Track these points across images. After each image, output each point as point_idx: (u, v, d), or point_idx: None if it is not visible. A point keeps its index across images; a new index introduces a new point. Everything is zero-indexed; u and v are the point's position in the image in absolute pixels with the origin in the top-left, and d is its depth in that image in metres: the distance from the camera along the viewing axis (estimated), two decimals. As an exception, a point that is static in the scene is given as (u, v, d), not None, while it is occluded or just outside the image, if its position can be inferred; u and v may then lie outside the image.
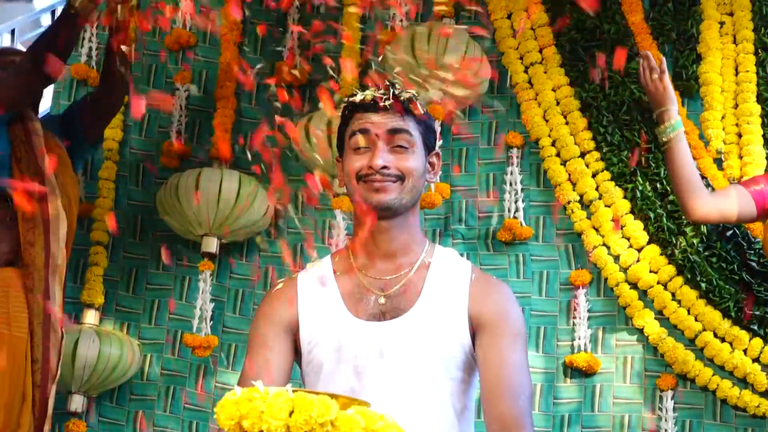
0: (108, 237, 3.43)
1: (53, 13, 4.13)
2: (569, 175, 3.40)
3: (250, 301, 3.42)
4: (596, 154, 3.39)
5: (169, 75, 3.60)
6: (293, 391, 1.26)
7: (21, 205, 2.69)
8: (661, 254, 3.28)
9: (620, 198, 3.33)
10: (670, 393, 3.21)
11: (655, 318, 3.26)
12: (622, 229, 3.31)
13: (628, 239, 3.31)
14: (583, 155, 3.41)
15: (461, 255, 2.05)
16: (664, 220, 3.27)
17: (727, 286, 3.19)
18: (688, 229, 3.25)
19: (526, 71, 3.53)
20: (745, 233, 3.23)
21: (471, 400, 1.94)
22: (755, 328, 3.17)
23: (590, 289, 3.34)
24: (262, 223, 3.39)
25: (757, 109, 3.37)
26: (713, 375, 3.19)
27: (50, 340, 2.71)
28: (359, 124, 1.93)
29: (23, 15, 4.25)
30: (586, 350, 3.27)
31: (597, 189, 3.37)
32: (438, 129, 2.95)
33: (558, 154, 3.43)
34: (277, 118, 2.15)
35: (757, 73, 3.41)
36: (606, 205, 3.34)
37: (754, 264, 3.19)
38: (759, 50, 3.44)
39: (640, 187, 3.30)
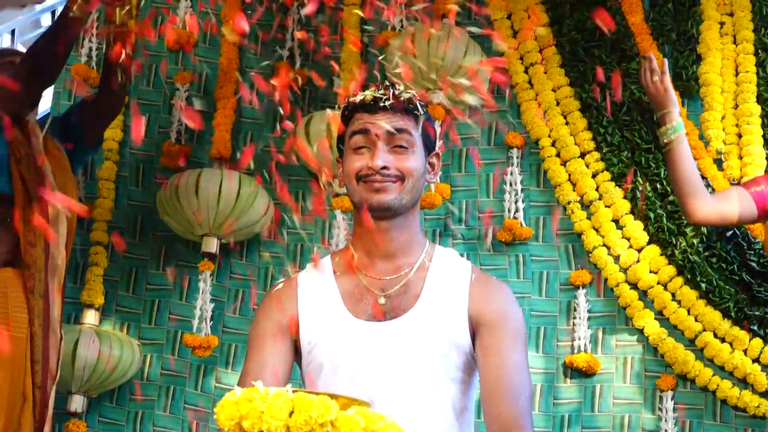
0: (108, 237, 3.43)
1: (53, 13, 4.13)
2: (569, 175, 3.40)
3: (250, 301, 3.42)
4: (596, 155, 3.39)
5: (170, 75, 3.60)
6: (293, 391, 1.26)
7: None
8: (661, 254, 3.28)
9: (620, 198, 3.33)
10: (670, 393, 3.21)
11: (655, 318, 3.26)
12: (622, 229, 3.31)
13: (628, 239, 3.31)
14: (583, 155, 3.41)
15: (461, 255, 2.05)
16: (664, 220, 3.27)
17: (727, 287, 3.19)
18: (688, 230, 3.24)
19: (526, 71, 3.53)
20: (745, 234, 3.22)
21: (471, 400, 1.94)
22: (755, 328, 3.17)
23: (590, 290, 3.34)
24: (262, 223, 3.39)
25: (757, 109, 3.37)
26: (713, 375, 3.19)
27: (50, 341, 2.71)
28: (359, 124, 1.93)
29: (23, 15, 4.26)
30: (586, 350, 3.27)
31: (597, 189, 3.37)
32: (438, 129, 2.95)
33: (558, 155, 3.43)
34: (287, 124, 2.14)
35: (757, 73, 3.41)
36: (606, 206, 3.34)
37: (754, 264, 3.19)
38: (759, 50, 3.44)
39: (640, 188, 3.30)
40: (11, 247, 2.75)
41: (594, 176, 3.38)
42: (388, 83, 1.96)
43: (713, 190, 3.17)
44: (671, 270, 3.25)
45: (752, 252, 3.20)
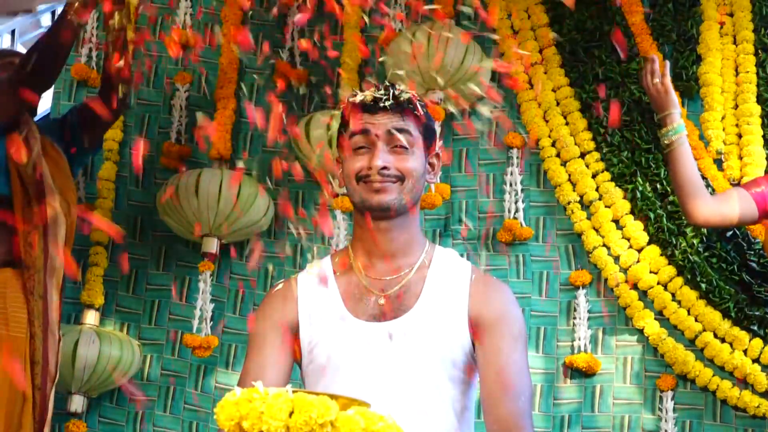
0: (108, 237, 3.43)
1: (53, 13, 4.13)
2: (569, 175, 3.40)
3: (250, 301, 3.42)
4: (596, 155, 3.39)
5: (170, 75, 3.60)
6: (293, 391, 1.26)
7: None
8: (662, 255, 3.28)
9: (620, 198, 3.33)
10: (670, 393, 3.21)
11: (655, 318, 3.26)
12: (622, 230, 3.31)
13: (629, 240, 3.31)
14: (583, 156, 3.41)
15: (461, 255, 2.05)
16: (665, 220, 3.27)
17: (727, 287, 3.19)
18: (688, 230, 3.24)
19: (526, 71, 3.53)
20: (745, 234, 3.23)
21: (471, 400, 1.93)
22: (755, 328, 3.17)
23: (590, 290, 3.34)
24: (262, 223, 3.39)
25: (757, 109, 3.37)
26: (713, 375, 3.19)
27: (49, 342, 2.71)
28: (359, 124, 1.93)
29: (23, 16, 4.26)
30: (586, 351, 3.27)
31: (597, 189, 3.37)
32: (438, 129, 2.94)
33: (558, 155, 3.43)
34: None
35: (757, 73, 3.41)
36: (606, 206, 3.34)
37: (754, 264, 3.19)
38: (759, 51, 3.44)
39: (640, 188, 3.30)
40: (9, 247, 2.75)
41: (594, 176, 3.38)
42: (388, 83, 1.96)
43: (713, 190, 3.17)
44: (671, 270, 3.25)
45: (752, 252, 3.20)
